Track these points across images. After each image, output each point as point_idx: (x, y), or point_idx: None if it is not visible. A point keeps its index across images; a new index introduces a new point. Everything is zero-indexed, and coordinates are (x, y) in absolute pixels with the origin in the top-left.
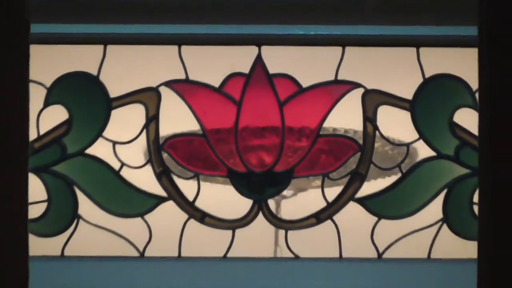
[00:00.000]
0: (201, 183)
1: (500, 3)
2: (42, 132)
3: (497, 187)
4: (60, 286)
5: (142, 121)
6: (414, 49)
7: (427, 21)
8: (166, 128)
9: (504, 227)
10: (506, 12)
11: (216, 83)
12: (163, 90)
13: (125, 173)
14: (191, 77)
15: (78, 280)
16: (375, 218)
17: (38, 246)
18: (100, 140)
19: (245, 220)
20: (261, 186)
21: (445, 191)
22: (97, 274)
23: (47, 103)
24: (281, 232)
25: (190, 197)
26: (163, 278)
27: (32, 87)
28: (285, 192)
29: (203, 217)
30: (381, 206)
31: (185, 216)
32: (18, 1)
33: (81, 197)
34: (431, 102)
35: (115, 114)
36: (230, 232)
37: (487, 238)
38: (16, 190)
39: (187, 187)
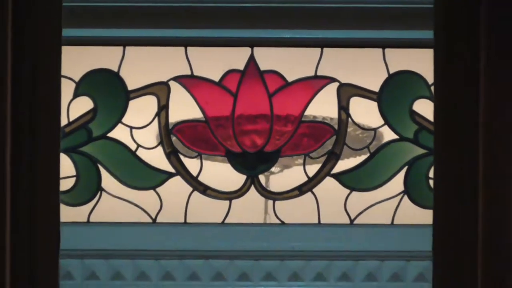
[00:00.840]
0: (203, 161)
1: (450, 13)
2: (71, 119)
3: (448, 165)
4: (86, 247)
5: (155, 109)
6: (380, 50)
7: (391, 26)
8: (175, 116)
9: (454, 198)
10: (455, 20)
11: (216, 78)
12: (172, 84)
13: (140, 153)
14: (195, 73)
15: (101, 242)
16: (348, 191)
17: (67, 214)
18: (119, 125)
19: (240, 192)
20: (253, 164)
21: (405, 168)
22: (117, 237)
23: (76, 94)
24: (270, 202)
25: (194, 173)
26: (171, 240)
27: (64, 82)
28: (273, 169)
29: (205, 190)
30: (352, 180)
31: (190, 189)
32: (54, 12)
33: (104, 173)
34: (394, 94)
35: (132, 104)
36: (227, 202)
37: (441, 207)
38: (50, 167)
39: (192, 164)
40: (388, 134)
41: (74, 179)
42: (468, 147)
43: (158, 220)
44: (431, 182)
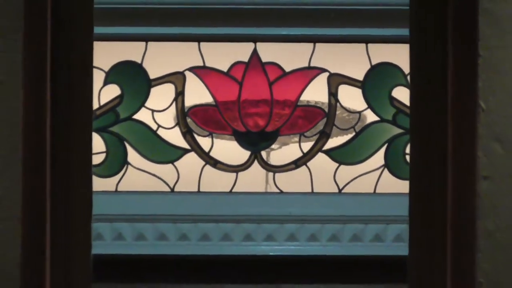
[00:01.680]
0: (214, 139)
1: (422, 14)
2: (102, 103)
3: (423, 142)
4: (114, 213)
5: (172, 95)
6: (364, 44)
7: (373, 25)
8: (189, 100)
9: (426, 170)
10: (426, 20)
11: (225, 68)
12: (187, 74)
13: (160, 132)
14: (207, 64)
15: (126, 208)
16: (336, 164)
17: (99, 184)
18: (142, 109)
19: (245, 166)
20: (256, 142)
21: (385, 145)
22: (140, 204)
23: (106, 82)
24: (270, 174)
25: (206, 149)
26: (187, 207)
27: (95, 72)
28: (273, 146)
29: (215, 164)
30: (340, 156)
31: (202, 163)
32: (86, 13)
33: (129, 149)
34: (376, 82)
35: (153, 90)
36: (234, 174)
37: (415, 178)
38: (84, 144)
39: (204, 142)
40: (370, 116)
41: (104, 154)
42: (438, 127)
43: (176, 189)
44: (407, 157)
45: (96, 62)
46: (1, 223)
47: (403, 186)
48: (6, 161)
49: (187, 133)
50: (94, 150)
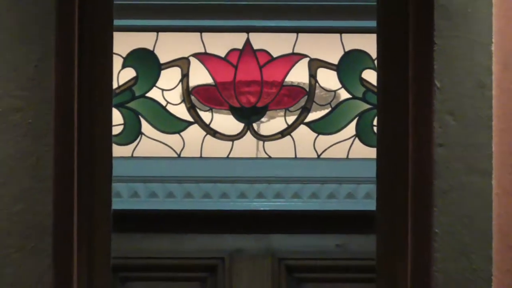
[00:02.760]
0: (213, 114)
1: (388, 9)
2: (120, 83)
3: (388, 116)
4: (130, 175)
5: (179, 77)
6: (339, 34)
7: (346, 17)
8: (193, 81)
9: (391, 140)
10: (391, 13)
11: (222, 54)
12: (191, 59)
13: (169, 107)
14: (208, 51)
15: (141, 171)
16: (316, 134)
17: (117, 151)
18: (154, 88)
19: (239, 135)
20: (248, 115)
21: (356, 118)
22: (152, 167)
23: (123, 66)
24: (260, 143)
25: (207, 121)
26: (191, 169)
27: (115, 57)
28: (263, 119)
29: (214, 134)
30: (319, 127)
31: (203, 133)
32: (107, 7)
33: (143, 122)
34: (348, 65)
35: (163, 73)
36: (230, 142)
37: (382, 146)
38: (105, 117)
39: (205, 116)
40: (344, 94)
41: (122, 126)
42: (401, 102)
43: (182, 155)
44: (374, 128)
45: (115, 49)
46: (39, 183)
47: (371, 152)
48: (42, 131)
49: (191, 108)
50: (113, 123)
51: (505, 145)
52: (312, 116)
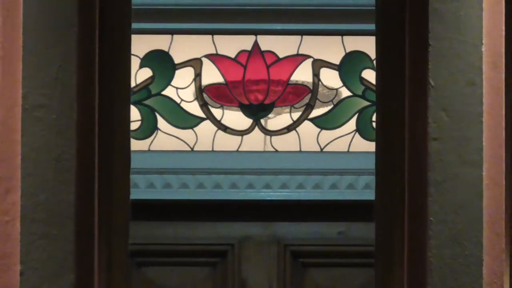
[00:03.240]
0: (224, 110)
1: (386, 13)
2: (138, 82)
3: (385, 112)
4: (147, 167)
5: (192, 76)
6: (340, 36)
7: (347, 21)
8: (205, 80)
9: (389, 134)
10: (389, 18)
11: (233, 55)
12: (204, 59)
13: (183, 104)
14: (219, 52)
15: (156, 163)
16: (319, 129)
17: (135, 144)
18: (169, 86)
19: (248, 130)
20: (257, 112)
21: (357, 114)
22: (168, 160)
23: (140, 66)
24: (267, 137)
25: (218, 117)
26: (203, 162)
27: (132, 58)
28: (270, 115)
29: (225, 129)
30: (322, 123)
31: (215, 128)
32: (126, 12)
33: (159, 118)
34: (349, 65)
35: (178, 72)
36: (240, 137)
37: (380, 140)
38: (123, 114)
39: (217, 112)
40: (345, 92)
41: (139, 122)
42: (398, 100)
43: (195, 149)
44: (373, 123)
45: (133, 50)
46: (62, 175)
47: (370, 146)
48: (65, 126)
49: (203, 105)
50: (131, 119)
51: (495, 139)
52: (316, 112)
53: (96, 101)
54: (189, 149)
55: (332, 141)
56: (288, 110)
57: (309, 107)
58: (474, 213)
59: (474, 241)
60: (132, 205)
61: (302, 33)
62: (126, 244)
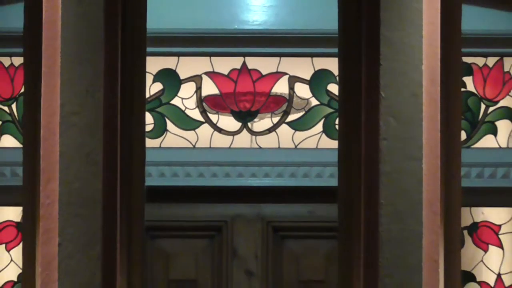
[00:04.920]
0: (219, 116)
1: (346, 39)
2: (151, 94)
3: (346, 117)
4: (158, 160)
5: (194, 89)
6: (310, 58)
7: (316, 45)
8: (205, 92)
9: (348, 135)
10: (348, 43)
11: (226, 72)
12: (203, 76)
13: (187, 111)
14: (215, 70)
15: (166, 157)
16: (294, 130)
17: (149, 143)
18: (176, 97)
19: (238, 132)
20: (245, 117)
21: (323, 119)
22: (175, 155)
23: (153, 81)
24: (253, 137)
25: (214, 121)
26: (203, 156)
27: (147, 75)
28: (255, 120)
29: (220, 130)
30: (296, 125)
31: (212, 130)
32: (141, 40)
33: (168, 122)
34: (317, 80)
35: (183, 86)
36: (231, 137)
37: (341, 139)
38: (139, 119)
39: (213, 117)
40: (314, 101)
41: (152, 125)
42: (356, 108)
43: (196, 146)
44: (336, 126)
45: (147, 69)
46: (91, 167)
47: (334, 144)
48: (93, 129)
49: (203, 112)
50: (146, 123)
51: (431, 139)
52: (291, 117)
53: (118, 109)
54: (192, 146)
55: (304, 140)
56: (269, 115)
57: (286, 113)
58: (416, 197)
59: (415, 219)
60: (147, 190)
61: (280, 55)
62: (142, 221)
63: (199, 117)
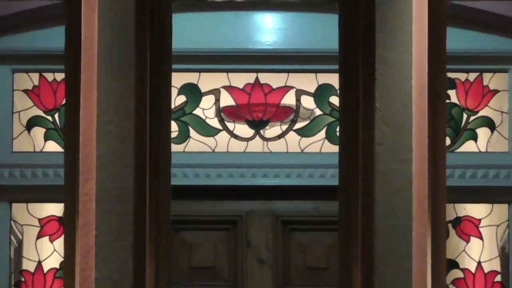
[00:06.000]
0: (235, 124)
1: (346, 57)
2: (176, 105)
3: (346, 126)
4: (182, 163)
5: (213, 101)
6: (314, 73)
7: (319, 63)
8: (223, 103)
9: (348, 141)
10: (346, 60)
11: (241, 86)
12: (221, 90)
13: (207, 120)
14: (232, 85)
15: (189, 160)
16: (300, 137)
17: (174, 148)
18: (198, 108)
19: (251, 138)
20: (258, 125)
21: (326, 127)
22: (196, 158)
23: (178, 94)
24: (265, 143)
25: (231, 129)
26: (221, 159)
27: (173, 89)
28: (266, 128)
29: (236, 137)
30: (302, 132)
31: (229, 136)
32: (167, 58)
33: (191, 129)
34: (321, 93)
35: (204, 98)
36: (246, 142)
37: (342, 145)
38: (166, 127)
39: (230, 125)
40: (318, 112)
41: (177, 132)
42: (354, 119)
43: (215, 151)
44: (337, 133)
45: (173, 83)
46: (124, 169)
47: (335, 149)
48: (126, 136)
49: (221, 121)
50: (172, 130)
51: (420, 144)
52: (298, 125)
53: (147, 118)
54: (211, 150)
55: (309, 145)
56: (279, 124)
57: (293, 122)
58: (406, 195)
59: (406, 213)
60: (172, 189)
61: (288, 71)
62: (168, 216)
63: (218, 125)
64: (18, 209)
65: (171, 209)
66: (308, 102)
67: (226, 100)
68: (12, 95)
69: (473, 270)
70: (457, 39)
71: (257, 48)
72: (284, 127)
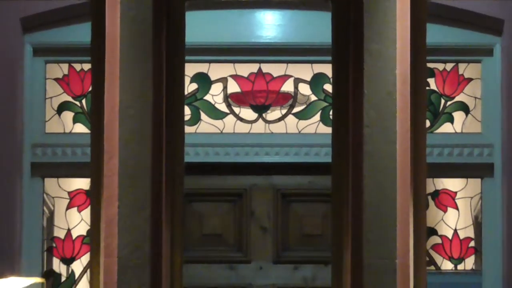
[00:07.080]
0: (241, 108)
1: (338, 49)
2: (189, 91)
3: (339, 109)
4: (195, 142)
5: (221, 88)
6: (310, 64)
7: (314, 54)
8: (230, 90)
9: (341, 123)
10: (340, 52)
11: (246, 75)
12: (228, 78)
13: (216, 105)
14: (238, 73)
15: (201, 140)
16: (298, 119)
17: (187, 129)
18: (208, 94)
19: (255, 121)
20: (260, 109)
21: (320, 111)
22: (206, 138)
23: (190, 82)
24: (267, 125)
25: (237, 113)
26: (228, 139)
27: (186, 77)
28: (268, 111)
29: (241, 120)
30: (299, 116)
31: (235, 119)
32: (180, 50)
33: (202, 113)
34: (316, 81)
35: (213, 86)
36: (250, 124)
37: (335, 127)
38: (179, 111)
39: (236, 110)
40: (313, 98)
41: (189, 115)
42: (345, 103)
43: (223, 132)
44: (330, 116)
45: (186, 72)
46: (143, 148)
47: (329, 130)
48: (145, 122)
49: (228, 106)
50: (185, 113)
51: (403, 127)
52: (296, 110)
53: (163, 103)
54: (220, 132)
55: (306, 127)
56: (279, 108)
57: (292, 106)
58: (391, 171)
59: (391, 187)
60: (185, 166)
61: (287, 62)
62: (182, 189)
63: (225, 110)
64: (50, 183)
65: (184, 183)
66: (304, 89)
67: (233, 87)
68: (44, 83)
69: (450, 237)
70: (436, 34)
71: (260, 42)
72: (284, 111)
